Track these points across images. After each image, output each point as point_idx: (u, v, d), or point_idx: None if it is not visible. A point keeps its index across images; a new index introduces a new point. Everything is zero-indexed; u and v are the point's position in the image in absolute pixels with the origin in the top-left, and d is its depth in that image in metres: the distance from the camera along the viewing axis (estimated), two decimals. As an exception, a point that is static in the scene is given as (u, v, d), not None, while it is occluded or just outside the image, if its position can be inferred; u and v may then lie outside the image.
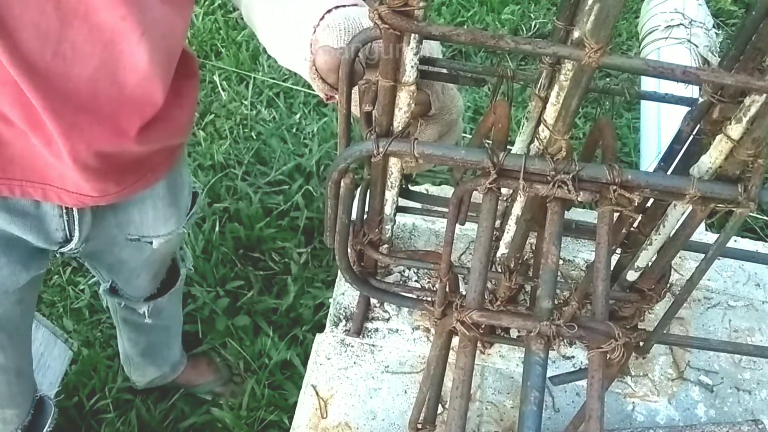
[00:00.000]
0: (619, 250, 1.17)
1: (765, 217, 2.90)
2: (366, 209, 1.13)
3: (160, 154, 1.37)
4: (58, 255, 1.47)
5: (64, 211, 1.34)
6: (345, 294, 1.43)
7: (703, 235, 1.56)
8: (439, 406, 1.14)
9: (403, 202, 1.16)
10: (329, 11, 0.97)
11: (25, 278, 1.40)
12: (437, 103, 0.99)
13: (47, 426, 1.75)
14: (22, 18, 0.96)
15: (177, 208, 1.60)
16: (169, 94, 1.23)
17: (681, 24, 2.47)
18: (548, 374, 0.82)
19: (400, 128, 0.90)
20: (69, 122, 1.11)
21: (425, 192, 1.34)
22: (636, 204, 0.88)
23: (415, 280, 1.44)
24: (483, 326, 0.84)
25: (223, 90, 3.37)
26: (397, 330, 1.38)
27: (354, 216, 1.10)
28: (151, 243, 1.61)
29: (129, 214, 1.50)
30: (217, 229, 2.81)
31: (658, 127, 2.32)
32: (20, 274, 1.38)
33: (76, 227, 1.38)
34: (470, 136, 1.18)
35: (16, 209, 1.28)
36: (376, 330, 1.38)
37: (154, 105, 1.19)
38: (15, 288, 1.39)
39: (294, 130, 3.21)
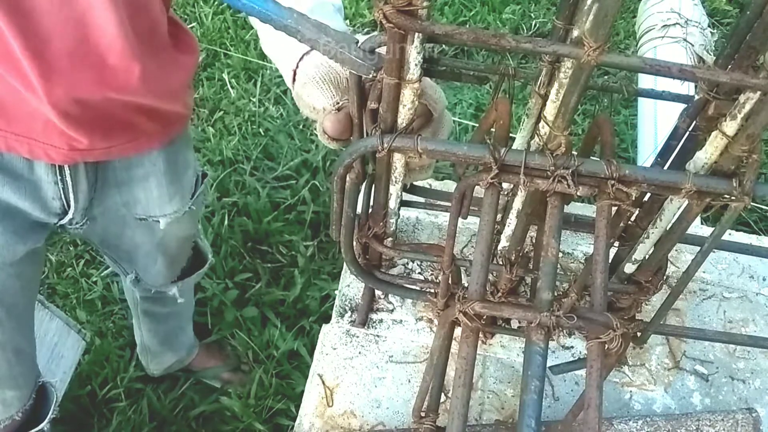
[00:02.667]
0: (617, 243, 1.17)
1: (759, 211, 2.89)
2: (371, 203, 1.13)
3: (152, 119, 1.36)
4: (60, 230, 1.45)
5: (59, 177, 1.32)
6: (350, 286, 1.43)
7: (698, 228, 1.56)
8: (442, 394, 1.14)
9: (407, 197, 1.16)
10: (301, 58, 1.03)
11: (22, 250, 1.38)
12: (437, 107, 1.00)
13: (50, 413, 1.71)
14: None
15: (180, 186, 1.59)
16: (154, 62, 1.23)
17: (677, 23, 2.46)
18: (548, 364, 0.82)
19: (404, 125, 0.90)
20: (47, 64, 1.11)
21: (428, 187, 1.34)
22: (633, 198, 0.89)
23: (419, 273, 1.44)
24: (485, 317, 0.84)
25: (232, 87, 3.37)
26: (401, 321, 1.38)
27: (359, 210, 1.10)
28: (158, 222, 1.60)
29: (133, 192, 1.49)
30: (226, 222, 2.81)
31: (655, 123, 2.31)
32: (16, 246, 1.37)
33: (71, 194, 1.36)
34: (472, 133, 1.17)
35: (9, 169, 1.27)
36: (381, 321, 1.38)
37: (129, 73, 1.20)
38: (12, 260, 1.37)
39: (301, 127, 3.21)
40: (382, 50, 0.85)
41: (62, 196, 1.36)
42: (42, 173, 1.31)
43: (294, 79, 1.04)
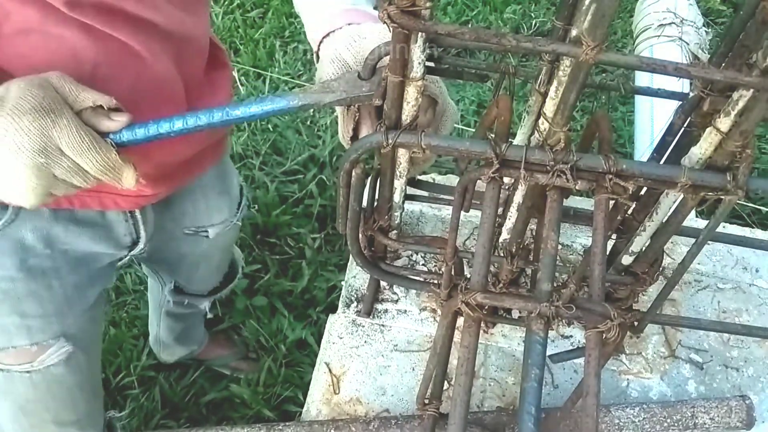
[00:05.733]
0: (614, 236, 1.17)
1: (752, 204, 2.89)
2: (376, 197, 1.13)
3: (206, 150, 1.34)
4: (125, 260, 1.43)
5: (129, 214, 1.31)
6: (356, 277, 1.43)
7: (693, 221, 1.56)
8: (445, 382, 1.14)
9: (411, 191, 1.16)
10: (326, 36, 1.06)
11: (94, 295, 1.37)
12: (440, 97, 1.00)
13: None
14: None
15: (228, 196, 1.58)
16: (204, 87, 1.22)
17: (673, 23, 2.46)
18: (548, 352, 0.82)
19: (408, 121, 0.90)
20: None
21: (432, 181, 1.34)
22: (630, 192, 0.89)
23: (423, 264, 1.44)
24: (486, 307, 0.84)
25: (242, 85, 3.37)
26: (406, 311, 1.38)
27: (365, 203, 1.10)
28: (206, 234, 1.58)
29: (182, 206, 1.48)
30: (236, 215, 2.81)
31: (652, 119, 2.31)
32: (89, 291, 1.35)
33: (142, 227, 1.35)
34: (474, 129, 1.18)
35: (84, 221, 1.25)
36: (386, 311, 1.38)
37: (179, 99, 1.18)
38: (87, 306, 1.35)
39: (308, 123, 3.21)
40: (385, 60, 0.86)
41: (133, 230, 1.35)
42: (113, 216, 1.30)
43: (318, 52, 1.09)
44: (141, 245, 1.39)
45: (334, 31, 1.04)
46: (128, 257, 1.41)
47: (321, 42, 1.06)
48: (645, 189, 1.05)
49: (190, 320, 2.19)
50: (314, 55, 1.10)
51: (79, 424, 1.49)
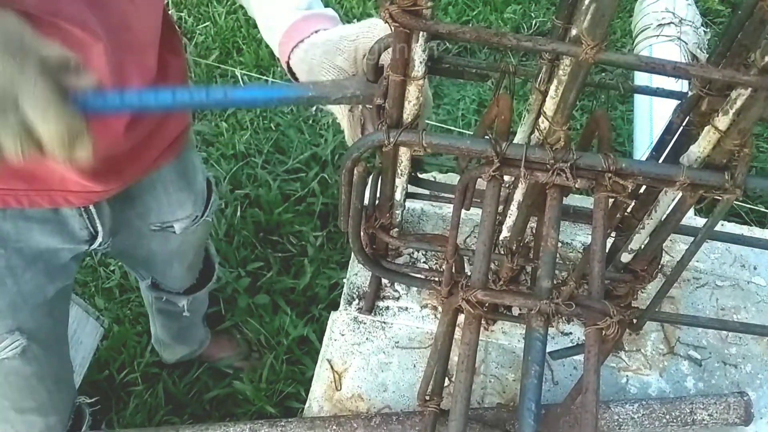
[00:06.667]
0: (613, 234, 1.17)
1: (750, 203, 2.89)
2: (377, 195, 1.13)
3: (157, 142, 1.32)
4: (92, 254, 1.42)
5: (82, 209, 1.30)
6: (358, 274, 1.43)
7: (692, 219, 1.56)
8: (446, 379, 1.14)
9: (412, 189, 1.16)
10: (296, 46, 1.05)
11: (52, 290, 1.37)
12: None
13: (83, 429, 1.73)
14: None
15: (191, 192, 1.56)
16: (156, 76, 1.18)
17: (672, 22, 2.46)
18: (548, 349, 0.82)
19: (410, 120, 0.91)
20: None
21: (433, 179, 1.35)
22: (630, 190, 0.89)
23: (424, 262, 1.44)
24: (487, 304, 0.84)
25: (245, 84, 3.37)
26: (407, 308, 1.38)
27: (366, 202, 1.10)
28: (173, 230, 1.58)
29: (145, 202, 1.47)
30: (238, 214, 2.81)
31: (650, 118, 2.31)
32: (47, 287, 1.35)
33: (98, 221, 1.34)
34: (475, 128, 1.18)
35: (36, 217, 1.24)
36: (387, 308, 1.38)
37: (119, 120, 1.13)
38: (44, 300, 1.35)
39: (310, 122, 3.21)
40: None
41: (89, 225, 1.34)
42: (66, 212, 1.28)
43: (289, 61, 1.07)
44: (100, 239, 1.38)
45: (305, 38, 1.05)
46: (90, 250, 1.41)
47: (292, 51, 1.06)
48: (644, 187, 1.05)
49: (185, 320, 2.18)
50: (281, 62, 1.10)
51: (40, 411, 1.51)
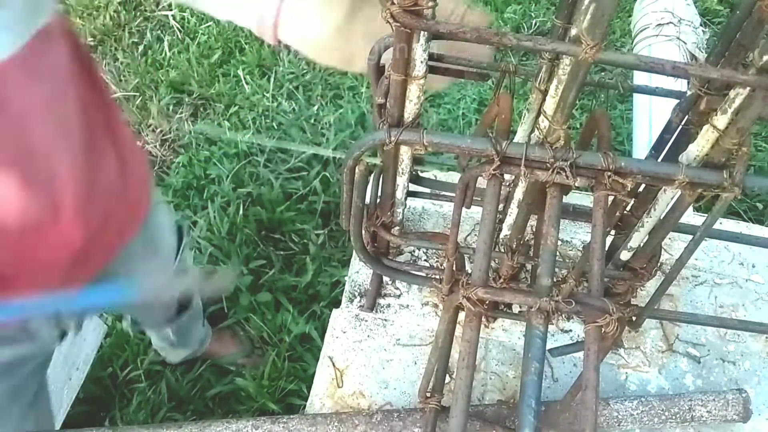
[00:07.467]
0: (613, 232, 1.17)
1: (749, 201, 2.88)
2: (379, 194, 1.13)
3: (116, 231, 1.23)
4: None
5: (51, 317, 1.24)
6: (359, 272, 1.43)
7: (691, 217, 1.56)
8: (447, 376, 1.15)
9: (413, 187, 1.16)
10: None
11: (31, 393, 1.30)
12: None
13: None
14: None
15: (157, 257, 1.49)
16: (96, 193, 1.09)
17: (671, 22, 2.46)
18: (547, 347, 0.82)
19: (411, 119, 0.91)
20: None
21: (434, 178, 1.34)
22: (629, 189, 0.89)
23: (425, 260, 1.44)
24: (487, 302, 0.84)
25: (247, 83, 3.37)
26: (408, 306, 1.38)
27: (368, 200, 1.10)
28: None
29: (114, 274, 1.33)
30: (241, 212, 2.80)
31: (650, 118, 2.31)
32: (21, 397, 1.27)
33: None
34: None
35: (4, 338, 1.17)
36: (388, 305, 1.38)
37: (76, 230, 1.06)
38: (26, 403, 1.29)
39: (312, 121, 3.21)
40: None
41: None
42: (33, 326, 1.21)
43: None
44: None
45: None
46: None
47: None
48: (643, 186, 1.05)
49: (180, 329, 2.17)
50: (262, 32, 1.00)
51: None
